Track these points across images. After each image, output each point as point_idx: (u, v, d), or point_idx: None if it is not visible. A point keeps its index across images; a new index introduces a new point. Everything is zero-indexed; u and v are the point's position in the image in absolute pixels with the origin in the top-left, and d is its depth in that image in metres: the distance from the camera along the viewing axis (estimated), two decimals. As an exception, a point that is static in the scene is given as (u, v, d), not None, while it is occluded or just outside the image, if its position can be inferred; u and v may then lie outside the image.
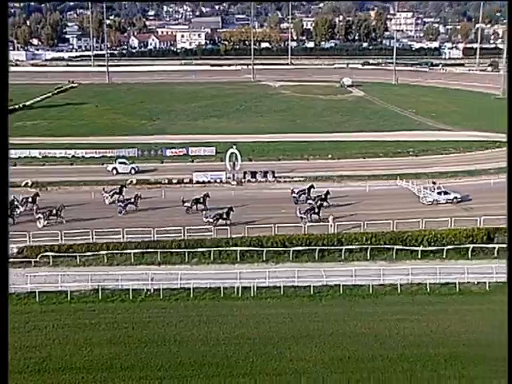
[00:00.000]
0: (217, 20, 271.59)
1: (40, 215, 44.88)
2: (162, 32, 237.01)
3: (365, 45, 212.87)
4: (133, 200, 48.14)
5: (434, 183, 53.77)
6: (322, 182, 55.65)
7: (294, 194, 50.19)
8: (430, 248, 40.92)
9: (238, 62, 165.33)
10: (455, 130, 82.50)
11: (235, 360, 28.78)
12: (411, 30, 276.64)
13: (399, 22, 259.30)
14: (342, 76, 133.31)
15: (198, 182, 56.20)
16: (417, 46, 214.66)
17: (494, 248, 41.09)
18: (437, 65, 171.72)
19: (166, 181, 56.42)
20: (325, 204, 47.59)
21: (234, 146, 58.43)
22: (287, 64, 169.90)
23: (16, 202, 46.50)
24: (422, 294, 35.80)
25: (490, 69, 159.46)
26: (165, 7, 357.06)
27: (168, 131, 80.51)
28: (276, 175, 57.54)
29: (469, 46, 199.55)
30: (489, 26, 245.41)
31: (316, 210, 45.91)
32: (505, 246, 41.18)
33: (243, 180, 56.63)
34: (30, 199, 47.75)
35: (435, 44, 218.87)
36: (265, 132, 78.66)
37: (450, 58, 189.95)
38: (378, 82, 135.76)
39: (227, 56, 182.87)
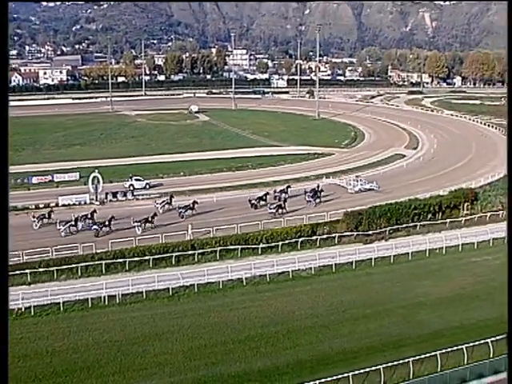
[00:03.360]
0: (77, 58, 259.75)
1: (137, 223, 44.78)
2: (25, 70, 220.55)
3: (208, 77, 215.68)
4: (191, 205, 49.56)
5: (357, 176, 59.14)
6: (177, 196, 55.44)
7: (276, 194, 53.56)
8: (268, 245, 42.43)
9: (98, 95, 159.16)
10: (284, 146, 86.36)
11: (105, 362, 27.62)
12: (246, 64, 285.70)
13: (236, 57, 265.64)
14: (189, 104, 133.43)
15: (63, 205, 53.08)
16: (251, 77, 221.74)
17: (317, 239, 43.81)
18: (267, 92, 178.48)
19: (34, 206, 52.62)
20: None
21: (96, 170, 56.23)
22: (142, 95, 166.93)
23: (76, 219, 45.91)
24: (263, 284, 37.01)
25: (307, 96, 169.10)
26: (27, 47, 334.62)
27: (34, 160, 74.97)
28: (135, 193, 56.27)
29: (291, 77, 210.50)
30: (305, 62, 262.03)
31: (318, 195, 53.14)
32: (325, 237, 44.42)
33: (105, 200, 54.59)
34: (88, 215, 46.58)
35: (265, 76, 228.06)
36: (123, 156, 76.22)
37: (277, 87, 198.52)
38: (221, 108, 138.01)
39: (87, 90, 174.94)
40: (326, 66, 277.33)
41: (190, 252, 40.21)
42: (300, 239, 43.22)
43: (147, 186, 59.49)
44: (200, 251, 40.41)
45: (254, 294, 35.43)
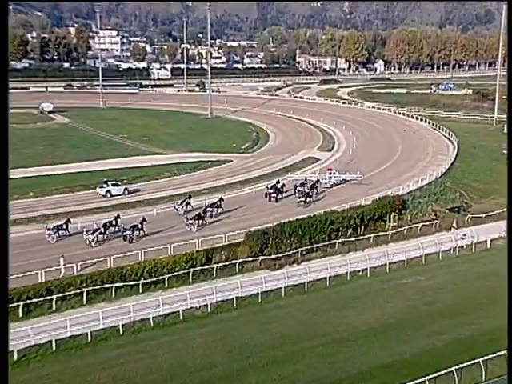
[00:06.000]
0: None
1: (191, 221, 52.48)
2: None
3: (66, 65, 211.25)
4: (218, 203, 57.14)
5: (329, 169, 70.49)
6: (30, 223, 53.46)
7: (269, 190, 62.72)
8: (151, 279, 42.10)
9: None
10: (169, 153, 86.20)
11: None
12: (117, 50, 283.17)
13: (103, 40, 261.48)
14: (40, 101, 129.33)
15: None
16: (124, 66, 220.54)
17: (213, 268, 44.15)
18: (146, 86, 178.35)
19: None
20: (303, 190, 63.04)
21: None
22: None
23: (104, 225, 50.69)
24: (145, 330, 36.69)
25: (197, 89, 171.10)
26: None
27: None
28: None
29: (176, 66, 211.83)
30: (193, 46, 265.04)
31: (316, 185, 65.21)
32: (222, 264, 44.96)
33: None
34: (113, 222, 51.27)
35: (143, 64, 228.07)
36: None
37: (159, 79, 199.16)
38: (85, 106, 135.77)
39: None
40: (220, 51, 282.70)
41: (45, 298, 38.70)
42: (191, 269, 43.37)
43: (126, 192, 64.10)
44: (59, 295, 39.04)
45: (134, 345, 34.97)
